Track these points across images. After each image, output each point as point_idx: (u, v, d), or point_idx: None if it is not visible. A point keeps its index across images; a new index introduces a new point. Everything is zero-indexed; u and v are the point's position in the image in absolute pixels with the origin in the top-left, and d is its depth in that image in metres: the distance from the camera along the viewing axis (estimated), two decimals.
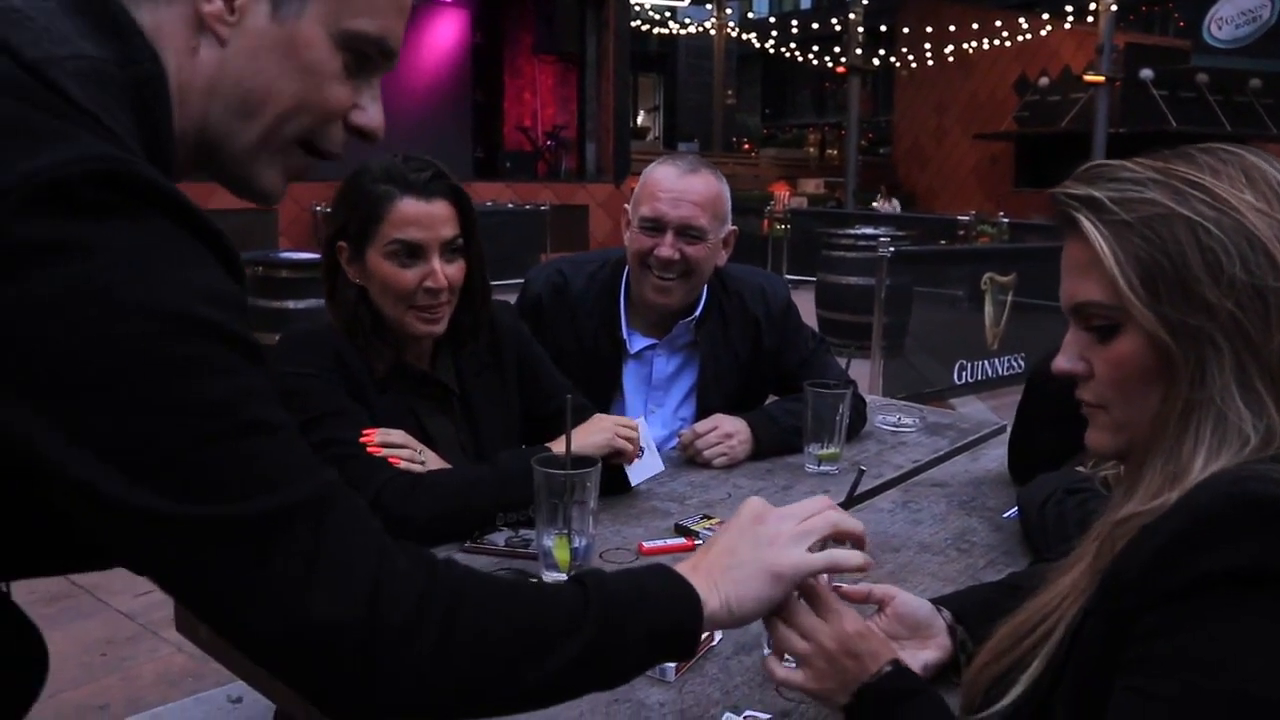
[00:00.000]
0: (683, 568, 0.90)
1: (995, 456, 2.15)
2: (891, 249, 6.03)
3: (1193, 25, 20.98)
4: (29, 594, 3.33)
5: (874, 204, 18.14)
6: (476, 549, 1.48)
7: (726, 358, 2.14)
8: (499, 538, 1.51)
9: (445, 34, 14.04)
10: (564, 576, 1.38)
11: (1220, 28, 19.92)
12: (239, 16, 0.76)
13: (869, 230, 9.07)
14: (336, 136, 0.84)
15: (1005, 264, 6.87)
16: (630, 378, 2.14)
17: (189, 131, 0.78)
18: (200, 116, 0.78)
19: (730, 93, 27.49)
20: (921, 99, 24.63)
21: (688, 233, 2.01)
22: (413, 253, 1.60)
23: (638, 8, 19.61)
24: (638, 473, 1.74)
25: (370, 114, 0.85)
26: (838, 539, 0.97)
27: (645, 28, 22.49)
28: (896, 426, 2.33)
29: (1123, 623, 0.79)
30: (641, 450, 1.72)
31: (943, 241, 12.09)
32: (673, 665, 1.14)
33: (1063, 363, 0.93)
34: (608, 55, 13.80)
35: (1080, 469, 1.67)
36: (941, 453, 2.16)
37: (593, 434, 1.64)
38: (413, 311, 1.63)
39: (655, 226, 2.02)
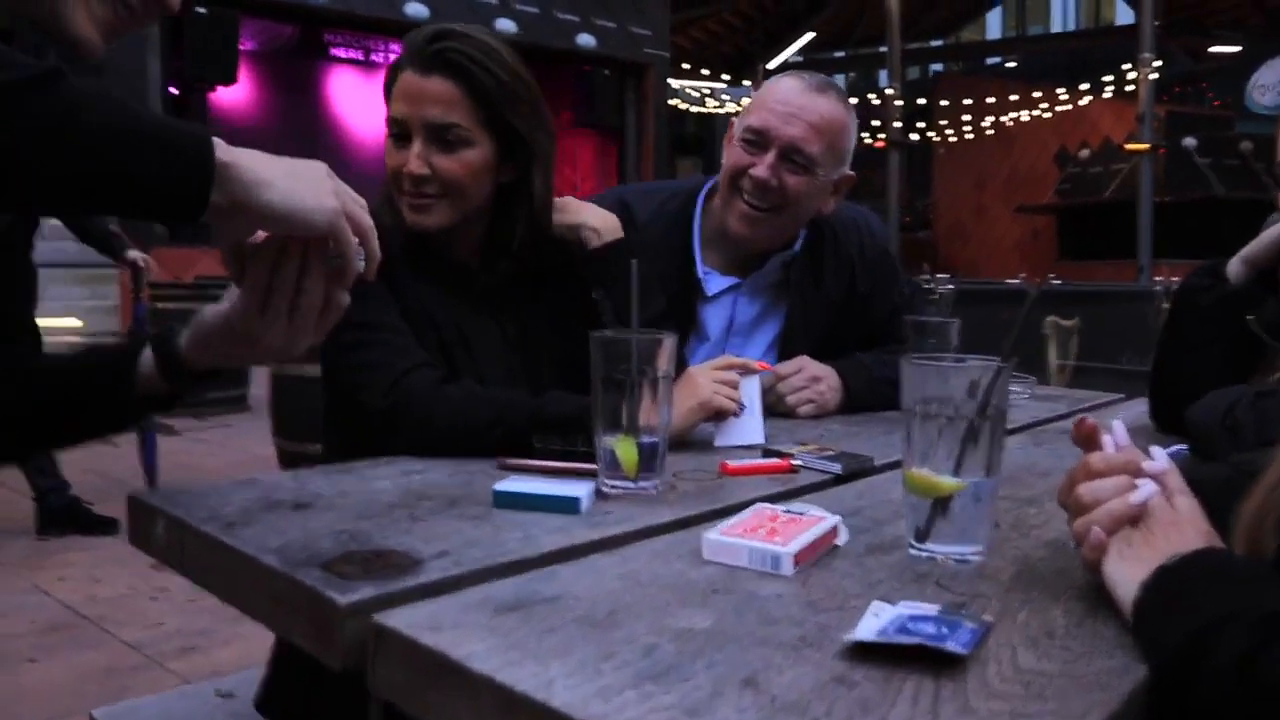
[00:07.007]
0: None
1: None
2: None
3: (1229, 103, 20.79)
4: (29, 624, 2.95)
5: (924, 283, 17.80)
6: (514, 465, 1.17)
7: (817, 301, 1.82)
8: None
9: None
10: (631, 484, 1.07)
11: (1263, 94, 19.63)
12: None
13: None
14: None
15: None
16: (707, 322, 1.82)
17: None
18: None
19: None
20: (961, 174, 24.48)
21: (793, 157, 1.69)
22: (403, 132, 1.37)
23: (676, 86, 19.73)
24: (729, 435, 1.37)
25: None
26: None
27: (684, 107, 22.63)
28: None
29: None
30: (741, 406, 1.37)
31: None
32: (789, 554, 0.83)
33: None
34: (648, 130, 13.80)
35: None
36: (1061, 413, 1.84)
37: (686, 398, 1.31)
38: (403, 197, 1.39)
39: (758, 141, 1.70)
